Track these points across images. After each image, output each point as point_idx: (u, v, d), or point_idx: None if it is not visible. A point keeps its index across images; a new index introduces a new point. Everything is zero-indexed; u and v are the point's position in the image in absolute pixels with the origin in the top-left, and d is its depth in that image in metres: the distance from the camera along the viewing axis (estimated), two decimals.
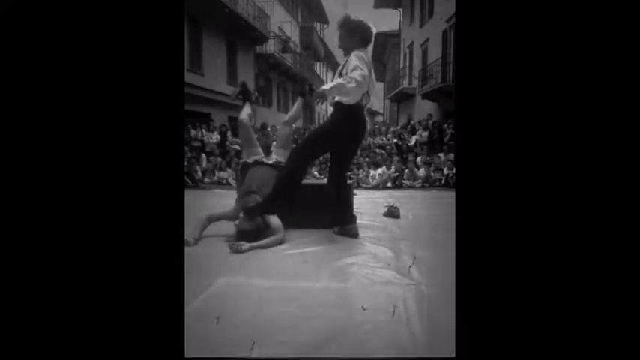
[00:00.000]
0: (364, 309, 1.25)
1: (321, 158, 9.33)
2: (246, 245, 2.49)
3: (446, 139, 9.51)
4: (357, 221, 3.46)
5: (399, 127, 10.97)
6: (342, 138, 2.79)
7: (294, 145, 3.26)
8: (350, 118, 2.74)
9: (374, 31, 2.90)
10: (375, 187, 8.00)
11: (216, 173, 8.73)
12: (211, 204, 5.07)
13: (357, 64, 2.56)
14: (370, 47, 2.88)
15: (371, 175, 8.37)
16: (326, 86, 2.57)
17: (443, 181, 8.22)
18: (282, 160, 3.17)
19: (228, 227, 2.86)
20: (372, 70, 2.73)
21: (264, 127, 10.69)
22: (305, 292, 1.73)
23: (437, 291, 1.73)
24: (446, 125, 9.92)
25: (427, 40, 15.80)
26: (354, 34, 2.75)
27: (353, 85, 2.50)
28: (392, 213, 3.90)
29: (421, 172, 8.44)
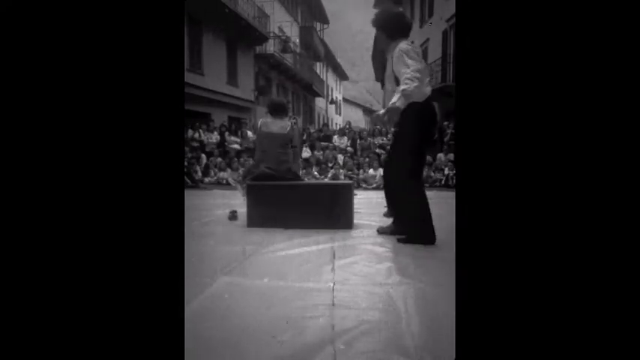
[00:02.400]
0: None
1: (320, 158, 9.36)
2: None
3: (446, 139, 9.51)
4: (357, 221, 3.46)
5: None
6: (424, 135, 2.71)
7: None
8: (423, 115, 2.64)
9: (409, 20, 2.72)
10: (376, 187, 8.00)
11: (217, 173, 8.73)
12: (211, 204, 5.08)
13: (405, 62, 2.50)
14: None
15: (371, 175, 8.38)
16: (394, 100, 2.52)
17: (443, 181, 8.22)
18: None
19: (229, 226, 2.86)
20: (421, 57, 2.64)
21: None
22: (305, 292, 1.73)
23: (437, 291, 1.73)
24: (446, 125, 9.92)
25: (427, 40, 15.80)
26: (385, 30, 2.66)
27: (415, 83, 2.44)
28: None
29: None
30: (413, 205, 2.69)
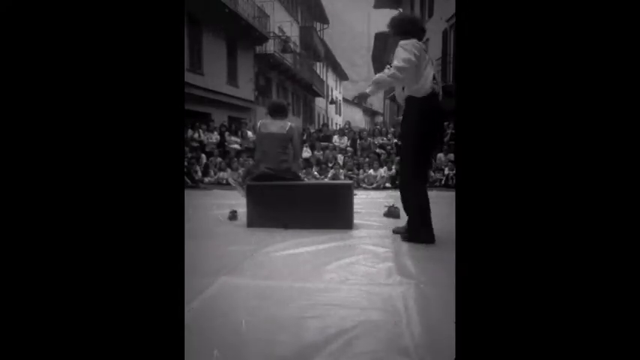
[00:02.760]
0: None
1: (321, 158, 9.35)
2: None
3: (446, 139, 9.51)
4: (357, 221, 3.47)
5: (399, 127, 10.95)
6: (430, 132, 2.67)
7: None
8: (423, 112, 2.62)
9: (420, 24, 2.81)
10: (376, 187, 8.00)
11: (217, 173, 8.74)
12: (211, 204, 5.08)
13: (398, 54, 2.52)
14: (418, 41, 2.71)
15: (372, 175, 8.38)
16: (368, 88, 2.65)
17: (443, 181, 8.22)
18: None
19: (229, 226, 2.86)
20: (426, 56, 2.64)
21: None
22: (305, 292, 1.73)
23: (437, 291, 1.73)
24: (446, 125, 9.92)
25: (427, 40, 15.80)
26: (395, 30, 2.74)
27: (392, 72, 2.46)
28: (392, 213, 3.91)
29: None
30: (413, 205, 2.71)
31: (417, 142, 2.66)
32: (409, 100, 2.66)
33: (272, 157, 3.45)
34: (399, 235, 2.87)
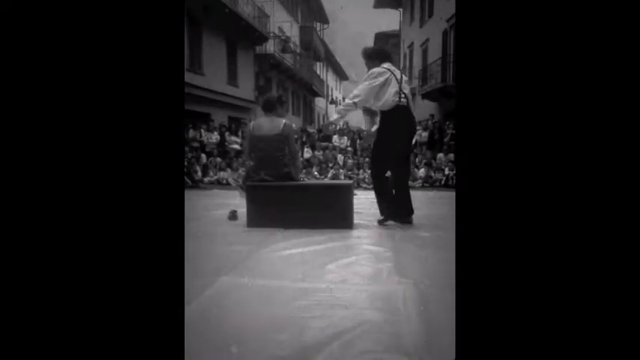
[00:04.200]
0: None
1: (321, 157, 9.35)
2: None
3: (446, 139, 9.52)
4: (357, 221, 3.48)
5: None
6: (396, 136, 3.25)
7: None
8: (392, 120, 3.24)
9: (388, 50, 3.58)
10: None
11: (217, 173, 8.74)
12: (211, 204, 5.08)
13: (360, 84, 3.23)
14: (388, 62, 3.36)
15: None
16: (331, 118, 3.57)
17: (443, 181, 8.22)
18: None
19: (229, 226, 2.86)
20: (391, 76, 3.20)
21: None
22: (305, 292, 1.73)
23: (437, 291, 1.73)
24: (446, 125, 9.93)
25: (427, 40, 15.79)
26: (369, 58, 3.38)
27: (349, 102, 3.23)
28: None
29: (421, 172, 8.45)
30: (376, 192, 3.42)
31: (383, 142, 3.31)
32: (380, 112, 3.32)
33: (271, 162, 3.33)
34: (398, 236, 2.89)
